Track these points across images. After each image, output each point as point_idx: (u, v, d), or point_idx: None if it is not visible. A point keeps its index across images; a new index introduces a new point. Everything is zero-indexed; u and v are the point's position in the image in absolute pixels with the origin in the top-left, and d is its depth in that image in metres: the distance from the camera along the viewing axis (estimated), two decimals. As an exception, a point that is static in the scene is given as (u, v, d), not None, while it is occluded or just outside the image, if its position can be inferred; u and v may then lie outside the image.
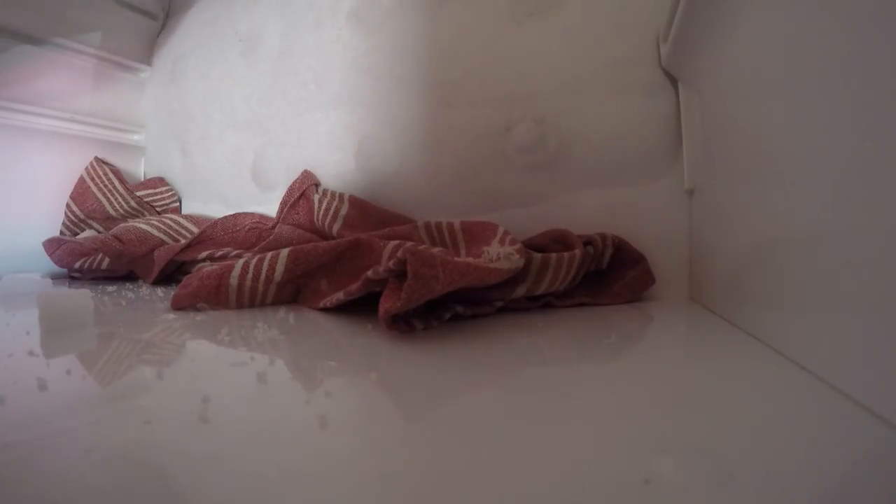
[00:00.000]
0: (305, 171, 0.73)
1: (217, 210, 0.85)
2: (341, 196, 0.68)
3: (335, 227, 0.65)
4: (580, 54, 0.58)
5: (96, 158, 0.86)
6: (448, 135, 0.64)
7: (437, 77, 0.65)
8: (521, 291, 0.42)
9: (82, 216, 0.83)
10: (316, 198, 0.69)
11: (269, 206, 0.78)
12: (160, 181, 0.92)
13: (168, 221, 0.76)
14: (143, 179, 0.94)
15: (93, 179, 0.84)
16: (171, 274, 0.67)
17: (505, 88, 0.61)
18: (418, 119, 0.66)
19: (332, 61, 0.72)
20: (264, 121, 0.79)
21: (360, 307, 0.41)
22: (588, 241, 0.50)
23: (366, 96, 0.70)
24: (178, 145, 0.91)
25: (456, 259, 0.34)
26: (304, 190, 0.71)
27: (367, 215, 0.66)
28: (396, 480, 0.15)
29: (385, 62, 0.68)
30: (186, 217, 0.79)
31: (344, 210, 0.66)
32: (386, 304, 0.32)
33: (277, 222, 0.72)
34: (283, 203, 0.72)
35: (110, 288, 0.61)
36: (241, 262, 0.47)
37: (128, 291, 0.58)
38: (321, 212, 0.67)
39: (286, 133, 0.77)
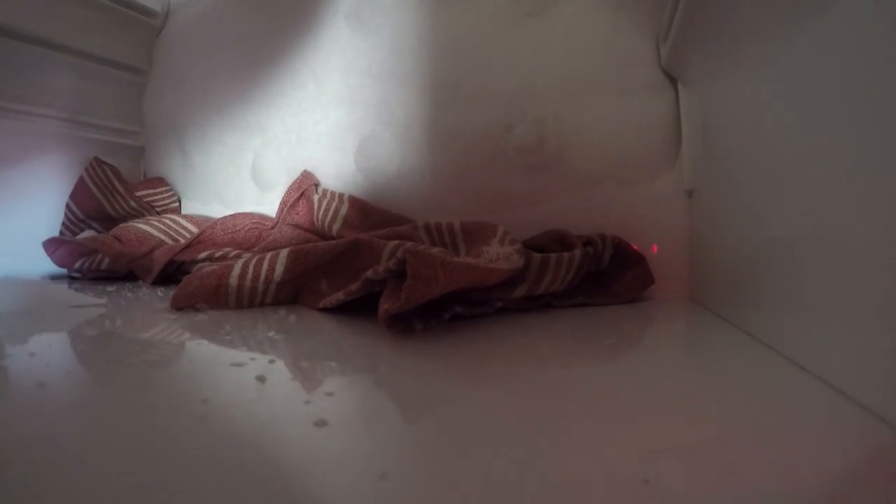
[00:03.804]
0: (305, 172, 0.73)
1: (216, 210, 0.85)
2: (341, 196, 0.68)
3: (335, 228, 0.65)
4: (580, 54, 0.58)
5: (96, 158, 0.86)
6: (448, 135, 0.64)
7: (438, 77, 0.65)
8: (520, 292, 0.42)
9: (82, 216, 0.83)
10: (315, 198, 0.69)
11: (268, 207, 0.78)
12: (160, 181, 0.92)
13: (168, 222, 0.76)
14: (142, 180, 0.94)
15: (92, 179, 0.84)
16: (171, 274, 0.67)
17: (505, 88, 0.61)
18: (419, 119, 0.66)
19: (331, 61, 0.72)
20: (263, 120, 0.79)
21: (360, 307, 0.41)
22: (588, 242, 0.50)
23: (365, 96, 0.69)
24: (177, 146, 0.91)
25: (456, 259, 0.34)
26: (303, 190, 0.71)
27: (368, 216, 0.66)
28: (396, 480, 0.15)
29: (385, 62, 0.68)
30: (186, 217, 0.79)
31: (344, 211, 0.66)
32: (385, 305, 0.32)
33: (277, 223, 0.72)
34: (283, 203, 0.72)
35: (110, 288, 0.61)
36: (240, 262, 0.47)
37: (128, 291, 0.58)
38: (321, 212, 0.67)
39: (285, 133, 0.77)
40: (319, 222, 0.67)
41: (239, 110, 0.82)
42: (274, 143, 0.78)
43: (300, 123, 0.75)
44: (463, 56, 0.63)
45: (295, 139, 0.76)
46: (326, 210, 0.67)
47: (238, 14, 0.83)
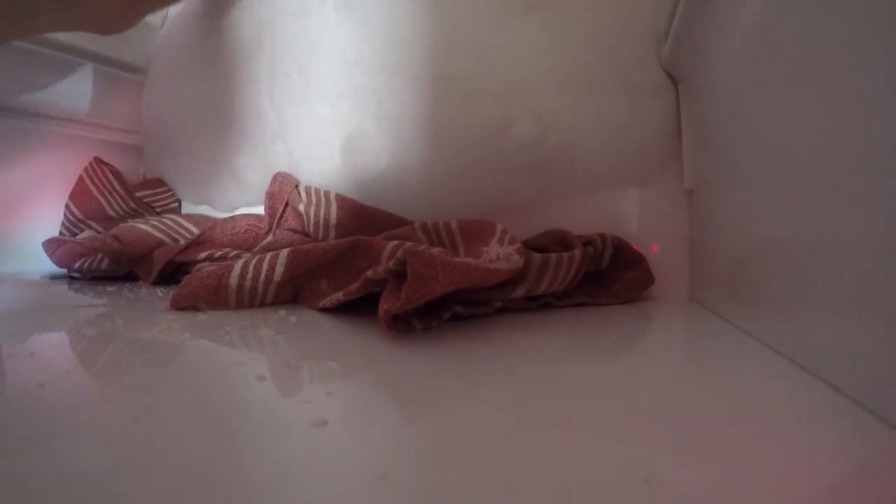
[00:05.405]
0: (280, 177, 0.70)
1: (207, 212, 0.84)
2: (327, 195, 0.66)
3: (329, 239, 0.64)
4: (581, 51, 0.57)
5: (96, 158, 0.86)
6: (442, 131, 0.62)
7: (431, 70, 0.62)
8: (520, 292, 0.42)
9: (81, 217, 0.83)
10: (301, 206, 0.67)
11: (250, 208, 0.77)
12: (159, 182, 0.92)
13: (168, 222, 0.76)
14: (142, 181, 0.94)
15: (92, 180, 0.84)
16: (171, 274, 0.67)
17: (503, 84, 0.59)
18: (410, 114, 0.63)
19: (317, 51, 0.69)
20: (240, 114, 0.76)
21: (360, 307, 0.41)
22: (588, 242, 0.50)
23: (353, 89, 0.66)
24: (168, 146, 0.89)
25: (456, 259, 0.34)
26: (286, 200, 0.68)
27: (360, 219, 0.64)
28: (396, 480, 0.15)
29: (375, 53, 0.65)
30: (186, 217, 0.79)
31: (334, 218, 0.64)
32: (386, 305, 0.32)
33: (271, 230, 0.70)
34: (273, 212, 0.70)
35: (110, 288, 0.61)
36: (240, 262, 0.47)
37: (128, 291, 0.58)
38: (311, 226, 0.66)
39: (261, 129, 0.74)
40: (313, 235, 0.66)
41: (217, 105, 0.79)
42: (252, 140, 0.75)
43: (282, 117, 0.72)
44: (459, 48, 0.61)
45: (270, 135, 0.73)
46: (316, 223, 0.65)
47: (219, 5, 0.80)
